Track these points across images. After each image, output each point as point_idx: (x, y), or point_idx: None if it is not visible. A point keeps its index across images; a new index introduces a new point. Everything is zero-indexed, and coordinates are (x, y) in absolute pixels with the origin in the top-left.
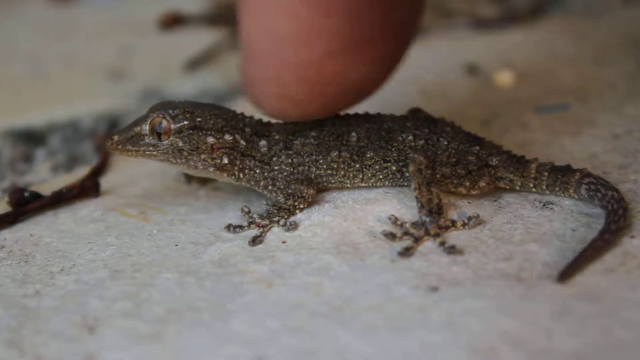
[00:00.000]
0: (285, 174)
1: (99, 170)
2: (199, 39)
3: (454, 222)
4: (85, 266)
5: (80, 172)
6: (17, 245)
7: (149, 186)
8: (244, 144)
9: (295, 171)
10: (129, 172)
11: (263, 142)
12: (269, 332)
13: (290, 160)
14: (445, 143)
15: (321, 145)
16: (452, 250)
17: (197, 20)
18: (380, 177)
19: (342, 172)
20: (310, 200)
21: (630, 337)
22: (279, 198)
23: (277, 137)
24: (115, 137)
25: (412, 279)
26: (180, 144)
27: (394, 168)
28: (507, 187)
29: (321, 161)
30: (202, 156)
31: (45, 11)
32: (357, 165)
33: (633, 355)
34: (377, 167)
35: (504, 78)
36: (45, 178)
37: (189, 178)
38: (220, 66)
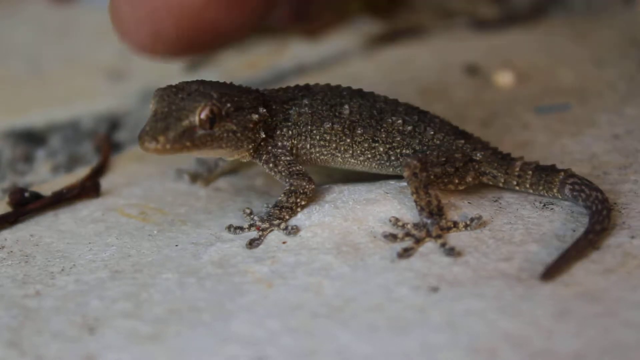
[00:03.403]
0: (288, 158)
1: (100, 170)
2: None
3: (455, 224)
4: (85, 266)
5: (81, 173)
6: (17, 245)
7: (150, 186)
8: (267, 114)
9: (296, 149)
10: (130, 172)
11: (266, 113)
12: (269, 333)
13: (290, 133)
14: (432, 133)
15: (315, 115)
16: (451, 252)
17: None
18: (369, 156)
19: (334, 145)
20: (311, 195)
21: (631, 338)
22: (280, 197)
23: (274, 107)
24: (162, 138)
25: (412, 280)
26: (234, 127)
27: (381, 149)
28: (491, 183)
29: (315, 132)
30: (249, 134)
31: (45, 11)
32: (348, 140)
33: (633, 356)
34: (365, 145)
35: (504, 78)
36: (45, 178)
37: (194, 178)
38: (220, 66)
